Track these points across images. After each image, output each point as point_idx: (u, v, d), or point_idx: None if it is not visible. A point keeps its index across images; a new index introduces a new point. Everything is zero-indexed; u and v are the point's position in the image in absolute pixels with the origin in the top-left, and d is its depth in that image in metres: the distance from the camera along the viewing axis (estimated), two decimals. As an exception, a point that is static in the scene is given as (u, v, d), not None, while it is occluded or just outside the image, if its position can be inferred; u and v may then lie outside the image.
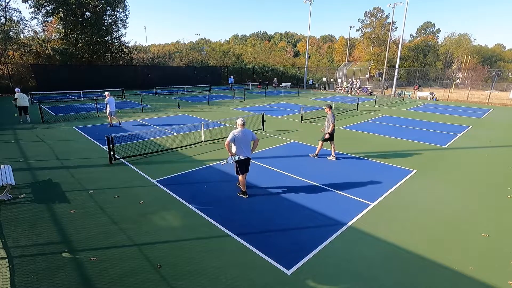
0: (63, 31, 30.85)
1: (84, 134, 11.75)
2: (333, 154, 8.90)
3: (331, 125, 8.52)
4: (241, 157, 6.05)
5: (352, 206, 5.94)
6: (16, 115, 14.42)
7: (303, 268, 4.12)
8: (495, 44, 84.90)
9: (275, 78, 41.22)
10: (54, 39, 32.96)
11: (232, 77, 35.91)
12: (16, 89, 14.04)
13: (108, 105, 12.83)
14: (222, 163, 5.98)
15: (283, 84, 38.77)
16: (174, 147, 9.89)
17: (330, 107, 8.73)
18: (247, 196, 6.30)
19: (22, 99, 13.79)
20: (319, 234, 4.93)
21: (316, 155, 9.05)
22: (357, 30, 66.46)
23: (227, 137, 6.02)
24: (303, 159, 9.08)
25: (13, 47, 28.10)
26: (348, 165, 8.52)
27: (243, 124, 6.12)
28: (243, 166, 6.16)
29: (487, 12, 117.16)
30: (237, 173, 6.23)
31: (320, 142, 8.95)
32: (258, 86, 37.05)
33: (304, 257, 4.33)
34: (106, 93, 13.21)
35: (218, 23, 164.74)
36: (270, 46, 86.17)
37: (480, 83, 42.84)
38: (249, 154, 6.19)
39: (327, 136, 8.66)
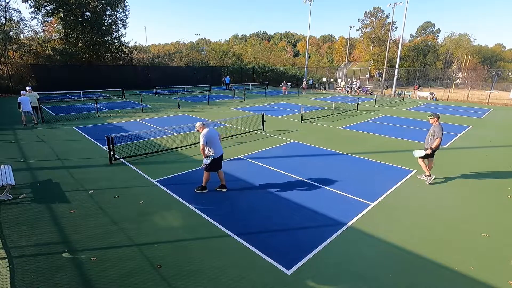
0: (63, 31, 30.87)
1: (84, 134, 11.75)
2: (428, 173, 7.30)
3: (437, 140, 7.03)
4: (217, 156, 6.21)
5: (352, 206, 5.94)
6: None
7: (303, 268, 4.12)
8: (495, 44, 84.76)
9: (305, 80, 36.14)
10: (54, 39, 32.95)
11: (227, 76, 32.68)
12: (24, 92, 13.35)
13: (20, 103, 12.68)
14: (201, 167, 6.12)
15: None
16: (174, 147, 9.89)
17: (438, 117, 7.20)
18: (207, 190, 6.44)
19: (33, 97, 13.57)
20: (319, 234, 4.93)
21: (429, 175, 7.29)
22: (357, 30, 66.51)
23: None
24: (303, 159, 9.08)
25: (13, 47, 28.10)
26: (348, 165, 8.52)
27: (204, 124, 6.31)
28: (218, 163, 6.28)
29: (487, 12, 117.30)
30: (209, 170, 6.25)
31: (421, 161, 7.29)
32: (283, 88, 28.80)
33: (304, 257, 4.33)
34: (21, 91, 13.04)
35: (218, 23, 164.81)
36: (270, 46, 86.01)
37: (480, 83, 42.85)
38: (222, 151, 6.40)
39: (429, 151, 7.15)
